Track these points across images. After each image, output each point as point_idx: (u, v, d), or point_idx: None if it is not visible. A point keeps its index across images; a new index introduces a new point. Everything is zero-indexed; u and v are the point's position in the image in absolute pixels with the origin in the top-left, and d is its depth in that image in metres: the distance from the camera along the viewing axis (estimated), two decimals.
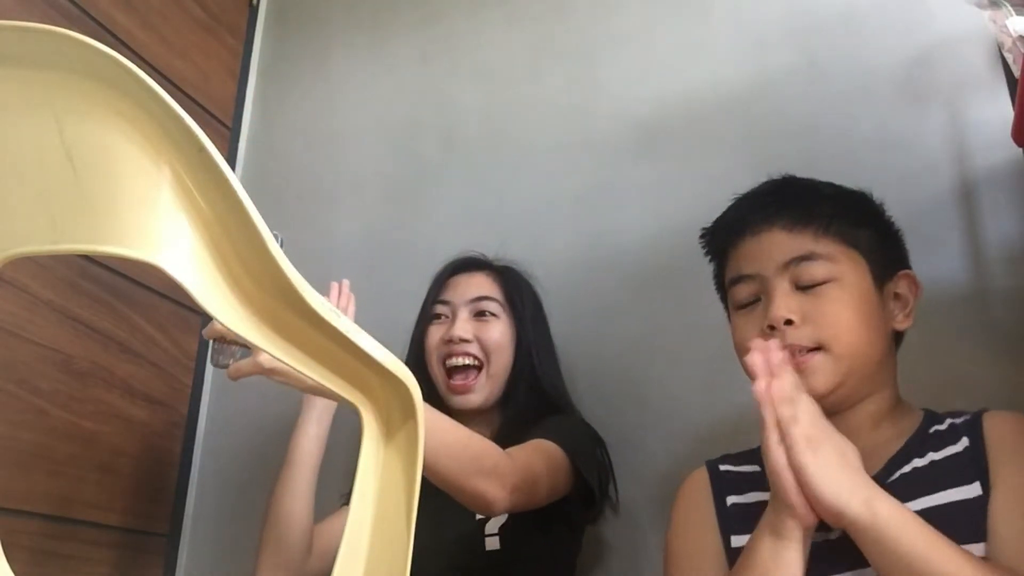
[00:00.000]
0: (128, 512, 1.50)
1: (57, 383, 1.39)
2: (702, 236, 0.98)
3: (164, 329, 1.61)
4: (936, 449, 0.83)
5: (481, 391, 1.23)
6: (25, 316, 1.35)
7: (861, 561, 0.75)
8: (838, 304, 0.84)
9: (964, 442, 0.83)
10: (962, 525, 0.76)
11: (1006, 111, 1.18)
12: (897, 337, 0.92)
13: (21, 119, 0.45)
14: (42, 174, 0.45)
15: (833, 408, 0.85)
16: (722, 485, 0.93)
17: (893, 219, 0.96)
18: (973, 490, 0.79)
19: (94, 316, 1.47)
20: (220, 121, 1.83)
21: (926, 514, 0.74)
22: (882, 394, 0.89)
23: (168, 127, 0.44)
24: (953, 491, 0.79)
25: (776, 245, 0.87)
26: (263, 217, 0.47)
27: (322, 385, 0.51)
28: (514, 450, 1.04)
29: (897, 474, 0.83)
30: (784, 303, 0.85)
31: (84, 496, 1.42)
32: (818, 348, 0.84)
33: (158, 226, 0.45)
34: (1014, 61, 1.15)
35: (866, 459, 0.82)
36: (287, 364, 0.49)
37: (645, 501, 1.27)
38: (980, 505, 0.78)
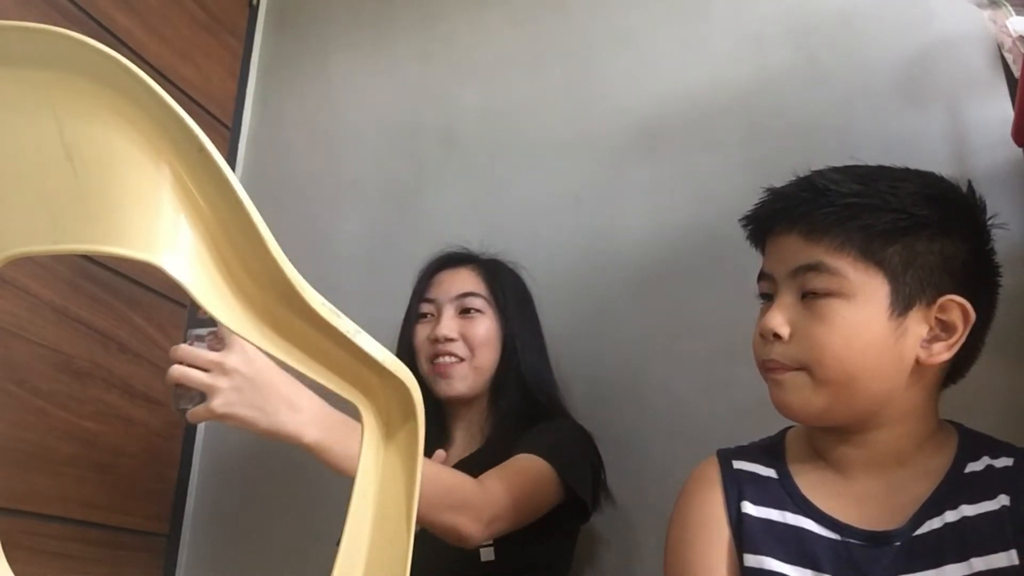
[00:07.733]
0: (128, 512, 1.50)
1: (57, 383, 1.39)
2: (744, 226, 0.92)
3: (164, 329, 1.61)
4: (970, 500, 0.76)
5: (464, 380, 1.23)
6: (25, 316, 1.35)
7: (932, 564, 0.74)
8: (831, 327, 0.78)
9: (1002, 500, 0.75)
10: None
11: (1006, 111, 1.18)
12: (944, 370, 0.83)
13: (21, 119, 0.45)
14: (42, 174, 0.45)
15: (839, 428, 0.83)
16: (735, 487, 0.85)
17: (977, 236, 0.83)
18: (1008, 558, 0.72)
19: (94, 316, 1.47)
20: (220, 121, 1.83)
21: None
22: (906, 426, 0.82)
23: (168, 127, 0.44)
24: (985, 559, 0.72)
25: (791, 250, 0.83)
26: (263, 217, 0.47)
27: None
28: (491, 477, 1.04)
29: (926, 527, 0.76)
30: (778, 315, 0.82)
31: (84, 496, 1.42)
32: (801, 368, 0.80)
33: (158, 226, 0.45)
34: (1014, 61, 1.15)
35: (892, 498, 0.79)
36: (291, 364, 0.49)
37: (643, 501, 1.27)
38: None
